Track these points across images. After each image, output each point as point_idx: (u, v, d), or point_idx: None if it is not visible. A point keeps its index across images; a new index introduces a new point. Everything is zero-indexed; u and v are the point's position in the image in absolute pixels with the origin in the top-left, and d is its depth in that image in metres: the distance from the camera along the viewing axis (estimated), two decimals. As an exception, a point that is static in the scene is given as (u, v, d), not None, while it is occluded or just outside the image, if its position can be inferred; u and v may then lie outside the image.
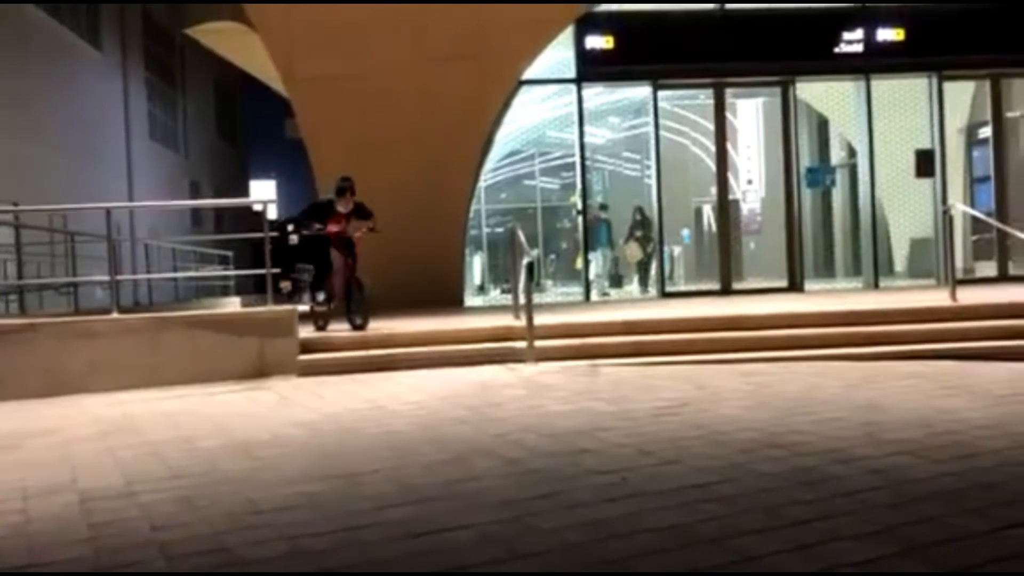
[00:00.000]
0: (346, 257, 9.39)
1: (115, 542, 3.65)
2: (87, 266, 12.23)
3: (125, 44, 22.45)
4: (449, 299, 12.65)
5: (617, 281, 14.96)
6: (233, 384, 7.99)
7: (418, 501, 4.06)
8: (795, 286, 13.73)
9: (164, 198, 23.09)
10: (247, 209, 30.58)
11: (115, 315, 8.57)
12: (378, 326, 9.47)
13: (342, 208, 9.33)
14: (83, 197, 14.76)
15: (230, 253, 20.69)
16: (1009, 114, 14.75)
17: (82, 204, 12.69)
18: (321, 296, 9.49)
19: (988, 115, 14.67)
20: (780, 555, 3.20)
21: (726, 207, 14.11)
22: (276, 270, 9.35)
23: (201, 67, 27.80)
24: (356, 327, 9.17)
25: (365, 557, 3.35)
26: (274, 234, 9.46)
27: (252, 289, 19.93)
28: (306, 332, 9.01)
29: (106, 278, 9.11)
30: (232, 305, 15.94)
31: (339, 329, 9.51)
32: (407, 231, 12.53)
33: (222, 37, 17.79)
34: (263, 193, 46.84)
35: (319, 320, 9.68)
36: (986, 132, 14.89)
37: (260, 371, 8.38)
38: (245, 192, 35.04)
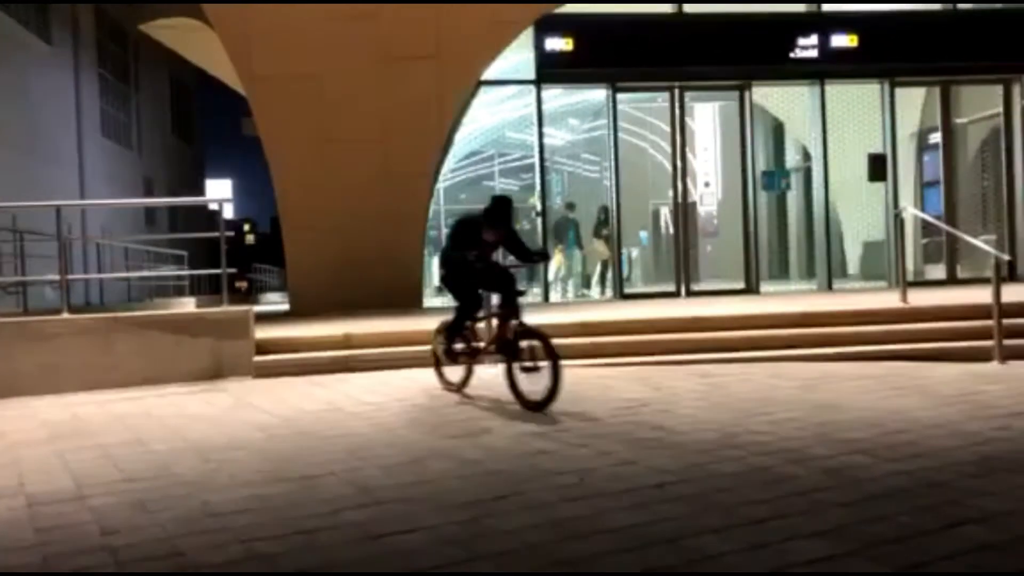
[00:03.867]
0: (504, 301, 6.55)
1: (64, 547, 3.57)
2: (37, 265, 11.96)
3: (77, 38, 22.00)
4: (408, 300, 12.59)
5: (587, 282, 14.98)
6: (187, 386, 7.87)
7: (375, 503, 4.03)
8: (751, 288, 13.90)
9: (117, 196, 22.66)
10: (203, 208, 30.21)
11: (66, 315, 8.39)
12: (335, 327, 9.38)
13: (489, 237, 6.61)
14: (32, 195, 14.45)
15: (185, 253, 20.40)
16: (958, 120, 15.07)
17: (31, 202, 12.42)
18: (459, 345, 6.96)
19: (938, 121, 14.98)
20: (737, 554, 3.24)
21: (683, 210, 14.24)
22: (232, 270, 9.22)
23: (156, 63, 27.36)
24: (528, 404, 6.08)
25: (321, 560, 3.32)
26: (230, 233, 9.23)
27: (208, 289, 19.69)
28: (264, 333, 8.87)
29: (56, 278, 8.91)
30: (187, 305, 15.72)
31: (488, 396, 6.67)
32: (366, 231, 12.47)
33: (178, 33, 17.55)
34: (219, 192, 46.44)
35: (449, 382, 7.13)
36: (936, 138, 15.20)
37: (215, 372, 8.26)
38: (201, 191, 34.55)
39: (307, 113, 12.62)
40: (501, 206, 6.67)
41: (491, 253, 6.87)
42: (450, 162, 15.34)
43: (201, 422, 6.22)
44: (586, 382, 7.35)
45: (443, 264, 7.04)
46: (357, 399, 6.87)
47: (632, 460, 4.74)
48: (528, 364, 6.10)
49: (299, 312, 12.27)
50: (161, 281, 19.91)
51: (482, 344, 6.88)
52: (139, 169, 26.60)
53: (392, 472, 4.59)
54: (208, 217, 32.76)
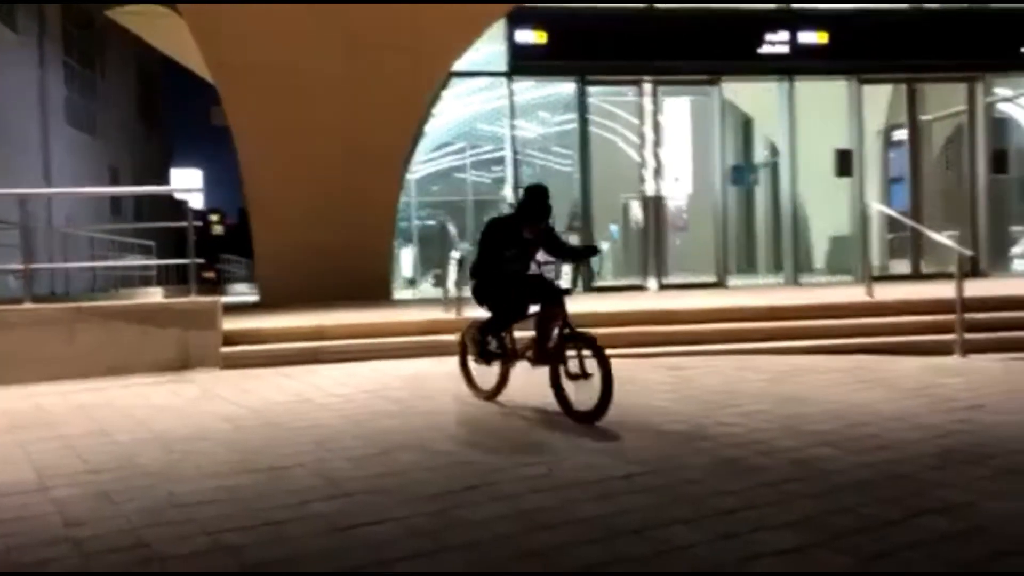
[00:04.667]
0: (549, 305, 5.83)
1: (27, 539, 3.52)
2: (0, 254, 11.75)
3: (43, 26, 21.61)
4: (378, 292, 12.53)
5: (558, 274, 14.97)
6: (153, 376, 7.77)
7: (344, 495, 4.01)
8: (721, 282, 13.99)
9: (82, 185, 22.31)
10: (170, 198, 29.85)
11: (29, 305, 8.26)
12: (304, 318, 9.32)
13: (530, 235, 5.95)
14: (-5, 183, 14.16)
15: (152, 243, 20.14)
16: (923, 117, 15.26)
17: (-6, 190, 12.18)
18: (493, 344, 6.16)
19: (904, 118, 15.17)
20: (705, 545, 3.26)
21: (653, 204, 14.28)
22: (200, 260, 9.12)
23: (123, 51, 26.94)
24: (576, 415, 5.47)
25: (289, 551, 3.30)
26: (198, 223, 9.08)
27: (175, 280, 19.45)
28: (232, 324, 8.78)
29: (20, 267, 8.76)
30: (153, 296, 15.52)
31: (532, 406, 5.96)
32: (336, 222, 12.39)
33: (145, 20, 17.28)
34: (188, 181, 45.89)
35: (479, 389, 6.38)
36: (902, 134, 15.39)
37: (181, 363, 8.18)
38: (168, 180, 34.11)
39: (277, 103, 12.50)
40: (539, 197, 5.89)
41: (534, 253, 6.10)
42: (421, 154, 15.27)
43: (167, 413, 6.15)
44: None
45: (475, 275, 6.15)
46: (326, 391, 6.83)
47: (601, 451, 4.76)
48: (575, 371, 5.50)
49: (268, 303, 12.17)
50: (127, 271, 19.63)
51: (520, 348, 6.08)
52: (105, 158, 26.21)
53: (361, 463, 4.58)
54: (175, 207, 32.42)
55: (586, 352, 5.48)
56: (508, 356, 6.14)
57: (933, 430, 5.09)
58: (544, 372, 5.71)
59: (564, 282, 6.18)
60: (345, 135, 12.53)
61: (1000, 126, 15.49)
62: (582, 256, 6.51)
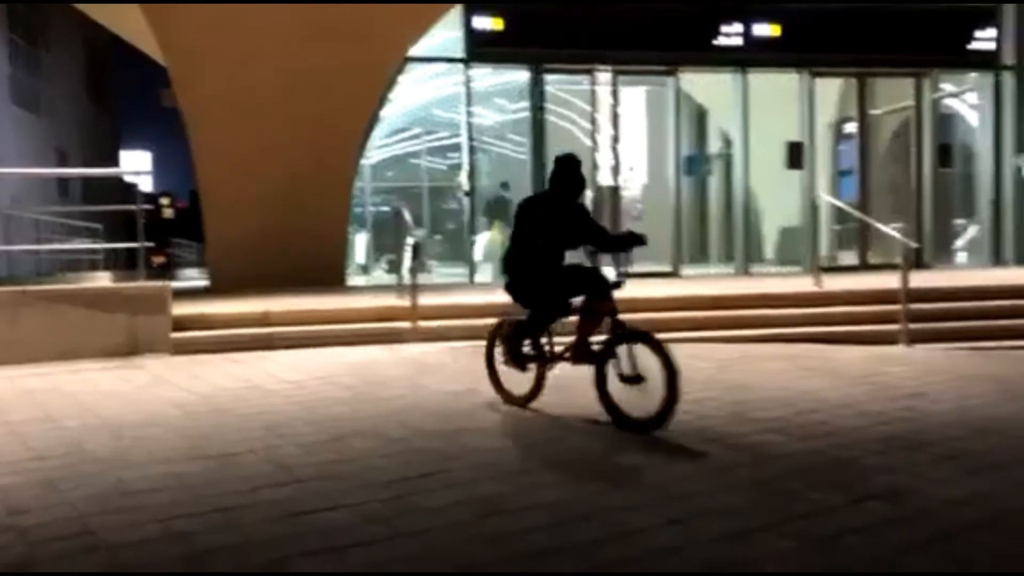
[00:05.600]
0: (596, 299, 5.23)
1: (-31, 527, 3.45)
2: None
3: (-15, 1, 21.02)
4: (331, 278, 12.43)
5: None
6: (101, 362, 7.64)
7: (296, 481, 4.00)
8: (675, 271, 14.12)
9: (28, 166, 21.77)
10: (119, 180, 29.25)
11: (-30, 288, 8.06)
12: (256, 304, 9.23)
13: (565, 218, 5.32)
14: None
15: (100, 226, 19.73)
16: (873, 111, 15.54)
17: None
18: (526, 346, 5.55)
19: (854, 111, 15.44)
20: (656, 529, 3.32)
21: (609, 194, 14.36)
22: (149, 244, 8.97)
23: (70, 29, 26.29)
24: (628, 422, 4.88)
25: (240, 538, 3.28)
26: (148, 206, 8.92)
27: (124, 264, 19.09)
28: (182, 309, 8.64)
29: (-39, 249, 8.55)
30: (101, 280, 15.22)
31: (578, 414, 5.22)
32: (289, 207, 12.25)
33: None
34: (137, 163, 45.01)
35: (510, 394, 5.67)
36: (852, 128, 15.66)
37: (131, 349, 8.05)
38: (117, 162, 33.39)
39: (230, 87, 12.30)
40: (571, 167, 5.34)
41: (570, 239, 5.30)
42: (376, 139, 15.15)
43: (115, 399, 6.06)
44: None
45: (510, 268, 5.49)
46: (277, 377, 6.78)
47: (556, 438, 4.80)
48: (628, 373, 4.88)
49: (219, 289, 12.01)
50: (74, 255, 19.22)
51: (559, 348, 5.44)
52: (52, 138, 25.59)
53: (312, 450, 4.56)
54: (125, 190, 31.76)
55: (643, 349, 4.84)
56: (547, 358, 5.47)
57: (876, 417, 5.22)
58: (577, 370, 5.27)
59: (609, 272, 5.31)
60: (299, 120, 12.39)
61: (946, 121, 15.85)
62: (625, 246, 5.41)
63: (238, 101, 12.32)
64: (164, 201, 57.02)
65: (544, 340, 5.48)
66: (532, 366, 5.51)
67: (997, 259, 15.17)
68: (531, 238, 5.27)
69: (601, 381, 5.01)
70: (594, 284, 5.20)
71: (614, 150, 14.38)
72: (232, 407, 5.71)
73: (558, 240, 5.26)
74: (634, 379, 4.85)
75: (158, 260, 29.06)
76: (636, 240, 5.43)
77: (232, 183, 12.42)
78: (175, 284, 10.10)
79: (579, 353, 5.26)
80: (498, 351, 5.72)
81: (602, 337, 5.13)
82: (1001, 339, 8.90)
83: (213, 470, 4.21)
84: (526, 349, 5.51)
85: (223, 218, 12.57)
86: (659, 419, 4.71)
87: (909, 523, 3.42)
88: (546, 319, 5.41)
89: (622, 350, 4.93)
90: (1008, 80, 15.20)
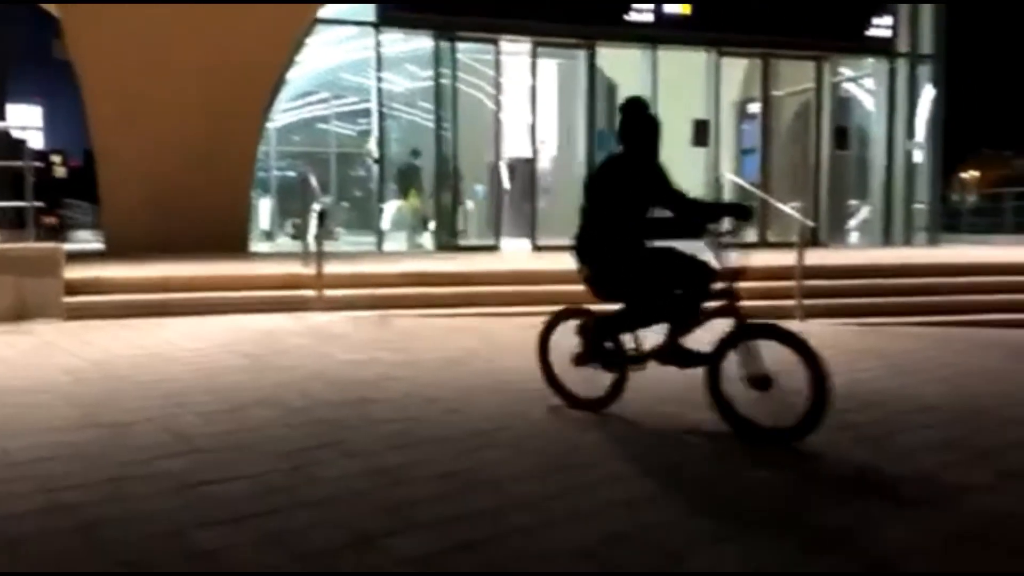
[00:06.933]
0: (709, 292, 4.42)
1: None
2: None
3: None
4: (233, 244, 12.13)
5: (426, 224, 14.76)
6: (-15, 327, 7.30)
7: (193, 451, 3.92)
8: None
9: (-97, 117, 20.47)
10: (5, 136, 27.70)
11: None
12: (153, 268, 8.94)
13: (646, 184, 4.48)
14: None
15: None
16: (775, 92, 15.97)
17: None
18: (628, 340, 4.63)
19: (758, 92, 15.84)
20: (554, 499, 3.37)
21: (520, 165, 14.40)
22: (40, 204, 8.57)
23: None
24: (759, 431, 4.10)
25: (132, 510, 3.19)
26: (38, 164, 8.53)
27: (12, 224, 18.19)
28: (75, 273, 8.29)
29: None
30: (-15, 240, 14.48)
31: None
32: (189, 169, 11.88)
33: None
34: (26, 118, 42.76)
35: (576, 396, 4.75)
36: (755, 108, 16.08)
37: (19, 313, 7.70)
38: (3, 116, 31.70)
39: (127, 41, 11.78)
40: (642, 111, 4.52)
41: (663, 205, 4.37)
42: (283, 102, 14.79)
43: (0, 365, 5.79)
44: (417, 332, 7.38)
45: (587, 254, 4.57)
46: (175, 344, 6.60)
47: (458, 408, 4.82)
48: (756, 374, 4.04)
49: (115, 252, 11.59)
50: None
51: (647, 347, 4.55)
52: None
53: (212, 419, 4.46)
54: (13, 146, 30.15)
55: (774, 346, 4.04)
56: (635, 359, 4.59)
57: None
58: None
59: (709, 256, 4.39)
60: (201, 79, 11.97)
61: (843, 105, 16.43)
62: (733, 213, 4.49)
63: (135, 55, 11.81)
64: (56, 159, 54.40)
65: (628, 335, 4.61)
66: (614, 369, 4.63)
67: (887, 239, 15.87)
68: (618, 216, 4.35)
69: (715, 384, 4.21)
70: (696, 273, 4.33)
71: (527, 122, 14.39)
72: (128, 374, 5.53)
73: (643, 214, 4.36)
74: (762, 382, 4.03)
75: (49, 221, 27.83)
76: (740, 211, 4.50)
77: (128, 142, 11.94)
78: (68, 246, 9.71)
79: (670, 355, 4.44)
80: (579, 345, 4.67)
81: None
82: (888, 315, 9.34)
83: (106, 439, 4.08)
84: (610, 346, 4.60)
85: (119, 179, 12.10)
86: (804, 427, 3.95)
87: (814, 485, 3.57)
88: (648, 317, 4.45)
89: (744, 348, 4.11)
90: (902, 67, 15.83)
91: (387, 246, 13.93)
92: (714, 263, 4.34)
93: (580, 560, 2.80)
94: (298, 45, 12.91)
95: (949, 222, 20.10)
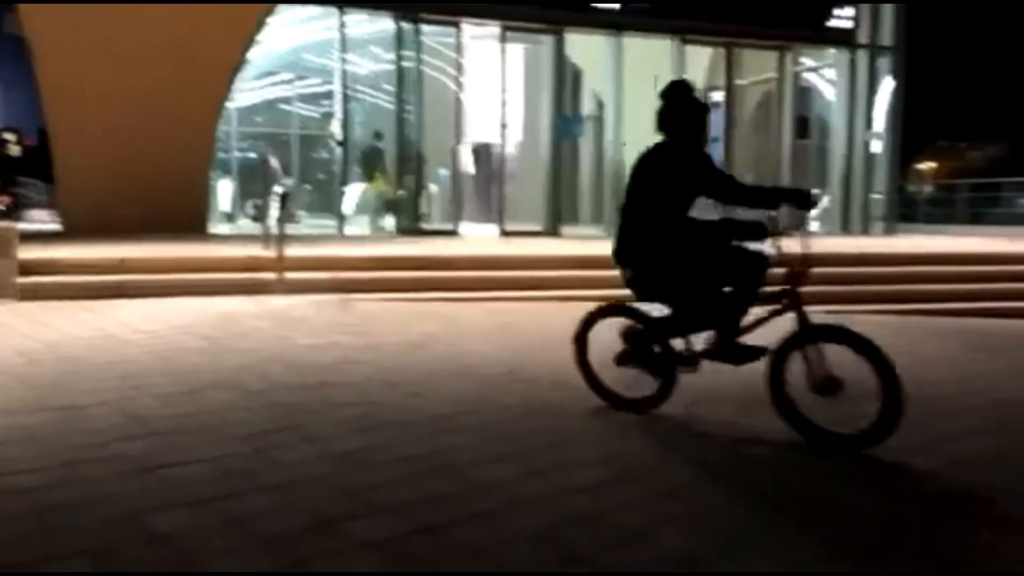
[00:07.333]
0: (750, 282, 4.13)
1: None
2: None
3: None
4: (192, 224, 11.97)
5: (393, 207, 14.64)
6: (-65, 307, 7.14)
7: (151, 434, 3.87)
8: (552, 230, 14.27)
9: None
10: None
11: None
12: (110, 250, 8.79)
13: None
14: None
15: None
16: (739, 81, 16.09)
17: None
18: (680, 344, 4.33)
19: (722, 81, 15.95)
20: (515, 482, 3.39)
21: (484, 149, 14.37)
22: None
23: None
24: (826, 437, 3.85)
25: (88, 493, 3.15)
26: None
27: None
28: (29, 253, 8.12)
29: None
30: (-65, 219, 14.14)
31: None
32: (148, 150, 11.69)
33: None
34: (-23, 95, 41.62)
35: (621, 397, 4.44)
36: (719, 96, 16.19)
37: (-31, 294, 7.54)
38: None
39: (84, 17, 11.52)
40: (687, 96, 4.23)
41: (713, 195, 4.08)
42: (244, 81, 14.58)
43: (-49, 347, 5.68)
44: (379, 316, 7.35)
45: (628, 253, 4.21)
46: (132, 326, 6.50)
47: (420, 392, 4.81)
48: (821, 378, 3.81)
49: (71, 233, 11.38)
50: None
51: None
52: None
53: (169, 402, 4.41)
54: (-37, 122, 29.38)
55: (840, 349, 3.78)
56: (687, 360, 4.29)
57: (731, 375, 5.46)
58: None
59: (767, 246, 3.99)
60: (159, 55, 11.76)
61: (805, 95, 16.61)
62: (793, 200, 4.08)
63: (91, 31, 11.56)
64: (10, 137, 53.14)
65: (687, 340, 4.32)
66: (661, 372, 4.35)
67: (845, 228, 16.10)
68: (665, 211, 4.03)
69: (779, 385, 3.94)
70: (749, 266, 4.03)
71: (491, 107, 14.35)
72: (84, 356, 5.45)
73: (690, 205, 4.04)
74: (829, 387, 3.80)
75: (3, 200, 27.31)
76: (801, 198, 4.06)
77: (84, 121, 11.71)
78: (22, 226, 9.51)
79: (724, 353, 4.20)
80: (623, 342, 4.38)
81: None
82: (845, 304, 9.46)
83: (61, 422, 4.01)
84: (658, 349, 4.30)
85: (75, 158, 11.87)
86: (875, 435, 3.71)
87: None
88: (700, 323, 4.17)
89: (809, 350, 3.85)
90: (862, 58, 16.03)
91: (349, 229, 13.84)
92: (771, 253, 3.99)
93: (540, 544, 2.81)
94: (260, 24, 12.73)
95: (905, 212, 20.46)
